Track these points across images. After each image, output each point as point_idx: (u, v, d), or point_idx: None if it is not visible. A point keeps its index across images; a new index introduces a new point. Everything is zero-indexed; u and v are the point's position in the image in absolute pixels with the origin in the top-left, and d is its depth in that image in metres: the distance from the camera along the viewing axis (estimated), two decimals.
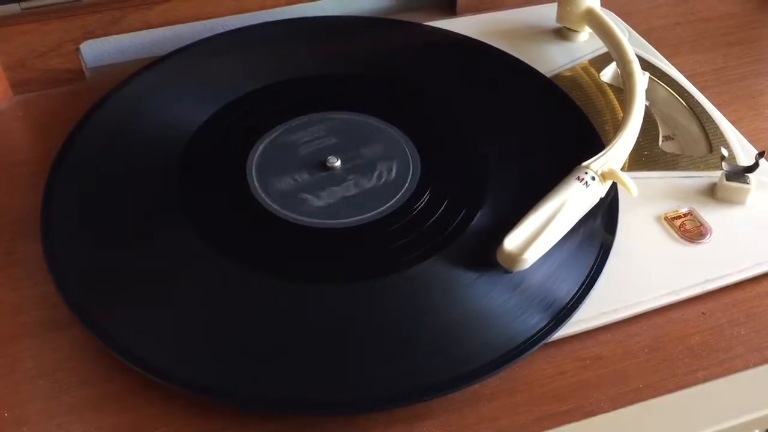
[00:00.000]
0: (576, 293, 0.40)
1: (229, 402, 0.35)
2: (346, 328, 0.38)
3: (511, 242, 0.39)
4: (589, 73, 0.55)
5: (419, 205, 0.44)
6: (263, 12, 0.57)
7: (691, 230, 0.43)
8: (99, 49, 0.57)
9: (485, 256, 0.40)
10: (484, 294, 0.39)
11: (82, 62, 0.54)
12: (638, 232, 0.43)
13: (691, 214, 0.44)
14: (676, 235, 0.43)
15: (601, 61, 0.56)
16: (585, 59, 0.56)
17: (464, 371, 0.36)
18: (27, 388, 0.37)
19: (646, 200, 0.45)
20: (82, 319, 0.37)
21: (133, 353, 0.36)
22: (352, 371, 0.36)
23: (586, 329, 0.39)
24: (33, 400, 0.36)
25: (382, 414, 0.36)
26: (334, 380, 0.36)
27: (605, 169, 0.42)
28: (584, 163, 0.43)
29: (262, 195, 0.44)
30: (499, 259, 0.40)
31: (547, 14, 0.60)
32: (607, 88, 0.54)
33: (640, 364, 0.38)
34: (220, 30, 0.56)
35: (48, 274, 0.40)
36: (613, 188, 0.44)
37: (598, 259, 0.41)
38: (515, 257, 0.39)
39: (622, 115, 0.49)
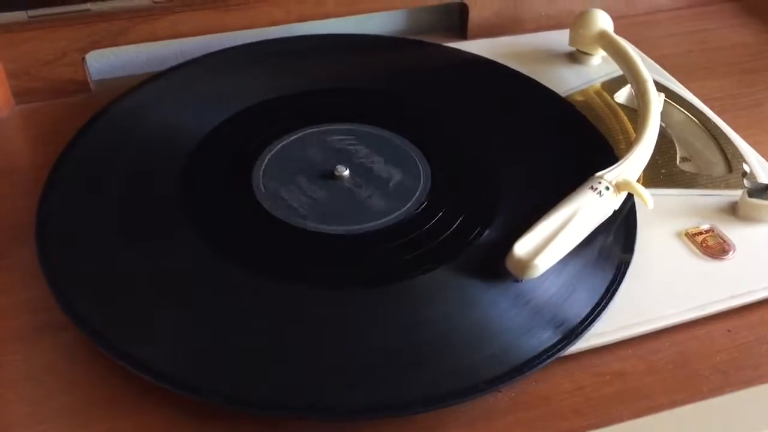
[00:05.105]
0: (594, 306, 0.38)
1: (230, 406, 0.33)
2: (352, 335, 0.36)
3: (522, 248, 0.38)
4: (601, 96, 0.55)
5: (429, 216, 0.42)
6: (272, 29, 0.56)
7: (713, 246, 0.42)
8: (104, 64, 0.56)
9: (498, 268, 0.39)
10: (495, 305, 0.37)
11: (87, 73, 0.53)
12: (658, 247, 0.42)
13: (713, 231, 0.43)
14: (697, 251, 0.41)
15: (614, 84, 0.55)
16: (597, 82, 0.56)
17: (473, 382, 0.34)
18: (13, 391, 0.35)
19: (665, 216, 0.43)
20: (74, 320, 0.36)
21: (128, 355, 0.34)
22: (358, 378, 0.34)
23: (606, 343, 0.37)
24: (19, 403, 0.34)
25: (389, 426, 0.34)
26: (338, 387, 0.34)
27: (620, 179, 0.41)
28: (598, 173, 0.41)
29: (268, 201, 0.42)
30: (509, 265, 0.38)
31: (558, 40, 0.59)
32: (620, 110, 0.53)
33: (664, 380, 0.36)
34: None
35: (41, 279, 0.38)
36: (629, 201, 0.43)
37: (616, 273, 0.40)
38: (525, 263, 0.37)
39: (635, 136, 0.48)
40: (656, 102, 0.48)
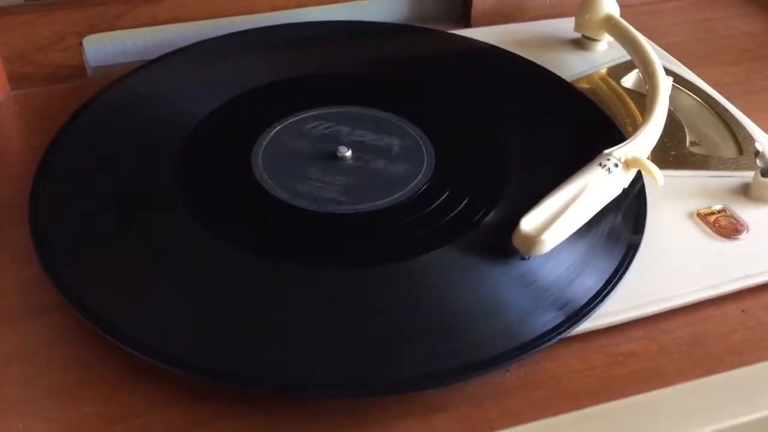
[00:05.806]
0: (603, 285, 0.37)
1: (229, 383, 0.32)
2: (355, 314, 0.35)
3: (529, 223, 0.36)
4: (606, 82, 0.53)
5: (434, 195, 0.41)
6: (272, 14, 0.55)
7: (726, 226, 0.41)
8: (101, 51, 0.55)
9: (504, 247, 0.37)
10: (502, 284, 0.36)
11: (84, 58, 0.52)
12: (670, 227, 0.41)
13: (726, 211, 0.41)
14: (710, 231, 0.40)
15: (620, 70, 0.54)
16: (603, 68, 0.55)
17: (479, 359, 0.33)
18: (3, 371, 0.33)
19: (676, 197, 0.42)
20: (66, 298, 0.34)
21: (122, 333, 0.33)
22: (362, 356, 0.33)
23: (618, 322, 0.36)
24: (8, 383, 0.33)
25: (394, 405, 0.32)
26: (342, 365, 0.33)
27: (629, 156, 0.40)
28: (607, 150, 0.40)
29: (270, 182, 0.41)
30: (516, 242, 0.37)
31: (562, 27, 0.58)
32: (626, 95, 0.52)
33: (677, 361, 0.35)
34: None
35: (34, 260, 0.37)
36: (639, 182, 0.42)
37: (626, 253, 0.38)
38: (532, 239, 0.36)
39: (644, 115, 0.47)
40: (665, 81, 0.47)
